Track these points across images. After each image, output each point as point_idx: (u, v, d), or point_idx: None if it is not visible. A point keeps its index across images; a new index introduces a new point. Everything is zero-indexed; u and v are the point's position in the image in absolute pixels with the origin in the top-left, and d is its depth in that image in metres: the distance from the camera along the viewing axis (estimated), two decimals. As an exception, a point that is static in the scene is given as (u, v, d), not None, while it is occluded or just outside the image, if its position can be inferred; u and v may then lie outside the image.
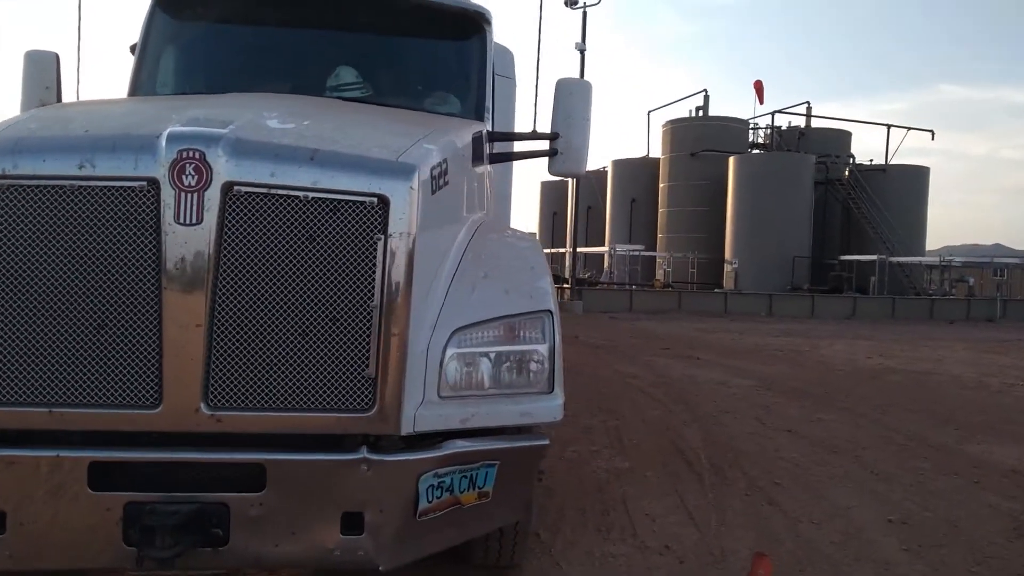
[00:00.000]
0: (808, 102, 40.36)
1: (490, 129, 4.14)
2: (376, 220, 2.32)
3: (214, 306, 2.20)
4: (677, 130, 39.06)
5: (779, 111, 38.96)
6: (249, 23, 4.27)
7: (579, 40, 22.47)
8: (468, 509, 2.54)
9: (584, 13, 23.04)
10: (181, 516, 2.16)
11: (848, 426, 6.98)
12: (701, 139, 37.44)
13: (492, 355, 2.65)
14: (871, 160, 37.12)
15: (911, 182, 34.80)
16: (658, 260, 37.00)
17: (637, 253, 33.03)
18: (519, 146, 4.59)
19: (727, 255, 34.12)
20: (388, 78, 4.21)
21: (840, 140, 39.35)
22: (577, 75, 23.41)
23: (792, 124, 40.42)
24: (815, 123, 40.31)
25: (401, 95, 4.17)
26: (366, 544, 2.32)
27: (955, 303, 26.90)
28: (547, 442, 2.67)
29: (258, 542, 2.26)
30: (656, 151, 41.28)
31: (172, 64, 4.28)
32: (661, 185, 39.21)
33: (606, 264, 36.66)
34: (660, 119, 41.44)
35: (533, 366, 2.71)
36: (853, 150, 38.59)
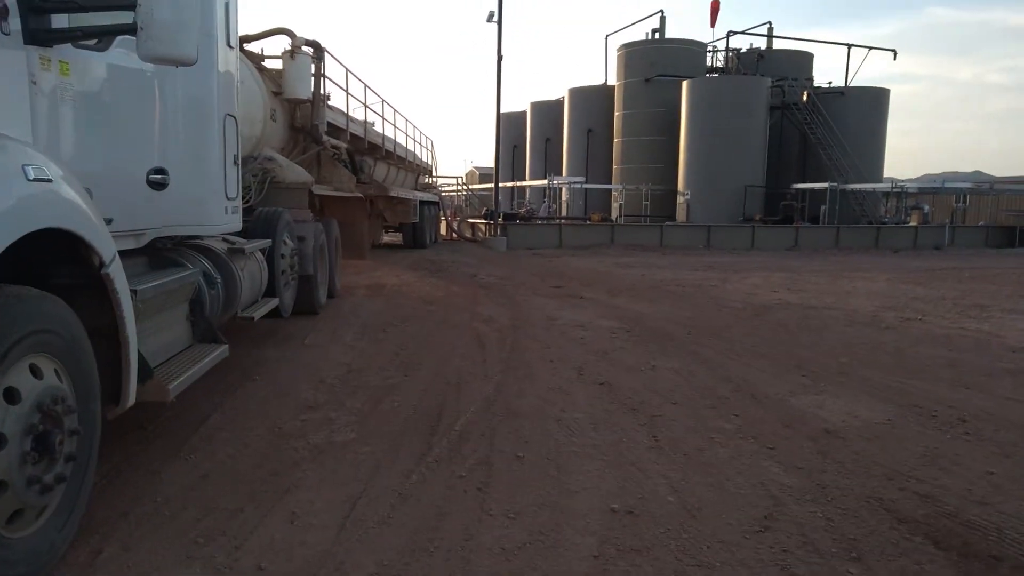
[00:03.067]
0: (769, 23, 38.50)
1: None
2: None
3: None
4: (631, 54, 37.08)
5: (737, 32, 37.15)
6: None
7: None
8: None
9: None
10: None
11: (678, 375, 6.04)
12: (656, 64, 35.57)
13: None
14: (830, 83, 35.59)
15: (870, 105, 33.36)
16: (614, 193, 35.70)
17: (579, 185, 31.65)
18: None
19: (679, 186, 32.88)
20: None
21: (801, 63, 37.63)
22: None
23: (753, 46, 38.67)
24: (777, 45, 38.62)
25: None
26: None
27: (903, 231, 25.98)
28: None
29: None
30: (614, 79, 39.41)
31: None
32: (616, 114, 37.53)
33: (563, 198, 35.40)
34: (618, 44, 39.44)
35: None
36: (823, 76, 37.07)
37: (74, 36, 3.07)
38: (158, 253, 4.52)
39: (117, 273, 3.07)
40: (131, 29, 3.01)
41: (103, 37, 3.24)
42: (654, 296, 11.20)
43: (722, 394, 5.47)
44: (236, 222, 5.15)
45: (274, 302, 6.34)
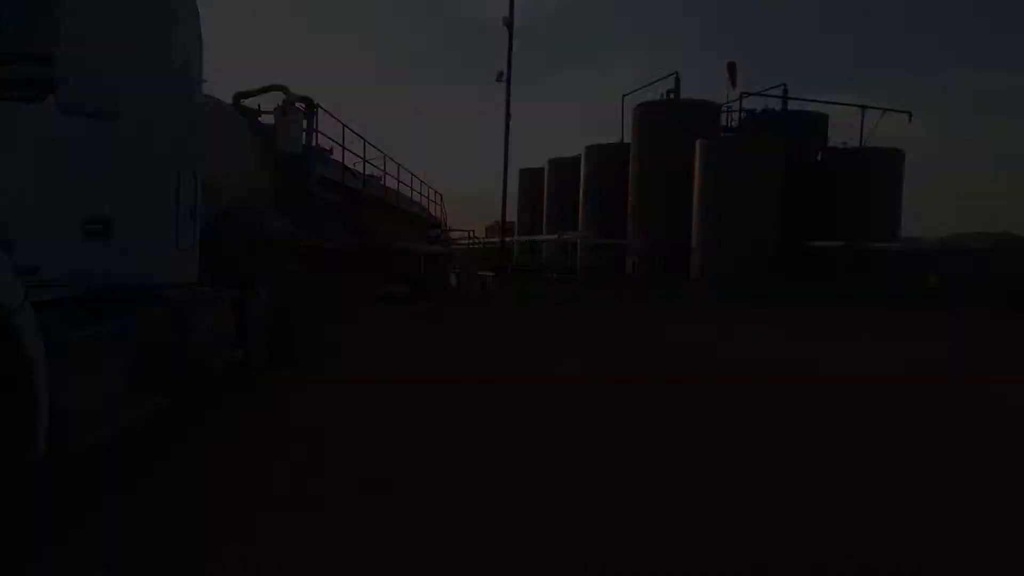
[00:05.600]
0: (784, 84, 38.79)
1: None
2: None
3: None
4: (646, 114, 37.55)
5: (751, 94, 37.45)
6: None
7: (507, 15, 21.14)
8: None
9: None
10: None
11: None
12: (671, 123, 35.96)
13: None
14: (844, 143, 35.56)
15: (885, 165, 33.28)
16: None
17: (591, 240, 31.70)
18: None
19: (693, 242, 32.80)
20: None
21: (817, 123, 37.85)
22: (507, 54, 22.11)
23: (768, 107, 38.95)
24: (792, 107, 38.85)
25: None
26: None
27: (915, 290, 25.58)
28: None
29: None
30: (629, 137, 39.79)
31: None
32: (631, 171, 37.80)
33: (580, 253, 35.53)
34: (634, 104, 39.90)
35: None
36: (843, 136, 36.90)
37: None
38: (105, 302, 4.52)
39: (23, 323, 3.05)
40: (48, 82, 3.06)
41: (23, 90, 3.30)
42: (599, 350, 10.99)
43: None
44: (190, 273, 5.16)
45: (236, 354, 6.30)
